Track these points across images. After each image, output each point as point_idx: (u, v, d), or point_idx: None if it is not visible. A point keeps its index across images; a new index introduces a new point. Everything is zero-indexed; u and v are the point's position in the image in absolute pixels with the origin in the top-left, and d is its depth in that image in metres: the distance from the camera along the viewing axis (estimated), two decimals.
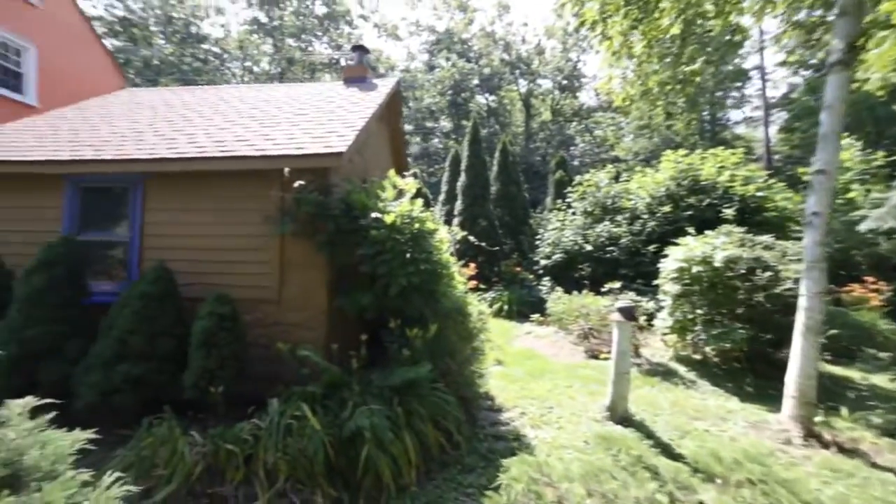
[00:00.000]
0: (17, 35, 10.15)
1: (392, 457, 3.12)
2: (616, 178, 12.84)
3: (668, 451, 3.77)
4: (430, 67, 35.35)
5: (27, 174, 4.95)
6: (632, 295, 7.59)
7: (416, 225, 4.14)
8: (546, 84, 34.62)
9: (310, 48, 34.35)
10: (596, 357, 7.00)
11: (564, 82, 33.12)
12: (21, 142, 5.49)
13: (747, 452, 3.67)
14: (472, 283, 7.02)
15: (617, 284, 7.80)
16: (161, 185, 4.79)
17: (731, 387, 5.55)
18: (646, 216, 10.55)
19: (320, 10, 34.57)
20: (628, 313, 4.59)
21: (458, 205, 14.11)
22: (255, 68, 35.13)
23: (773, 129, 25.57)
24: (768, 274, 5.77)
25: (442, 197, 16.73)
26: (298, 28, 33.78)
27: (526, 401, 5.00)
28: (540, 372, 6.18)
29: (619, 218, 11.18)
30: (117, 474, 1.78)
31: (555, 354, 7.33)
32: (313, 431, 3.09)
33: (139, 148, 4.85)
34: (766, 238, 6.52)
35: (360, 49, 7.96)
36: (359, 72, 7.73)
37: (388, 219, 3.98)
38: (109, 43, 27.03)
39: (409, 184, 4.53)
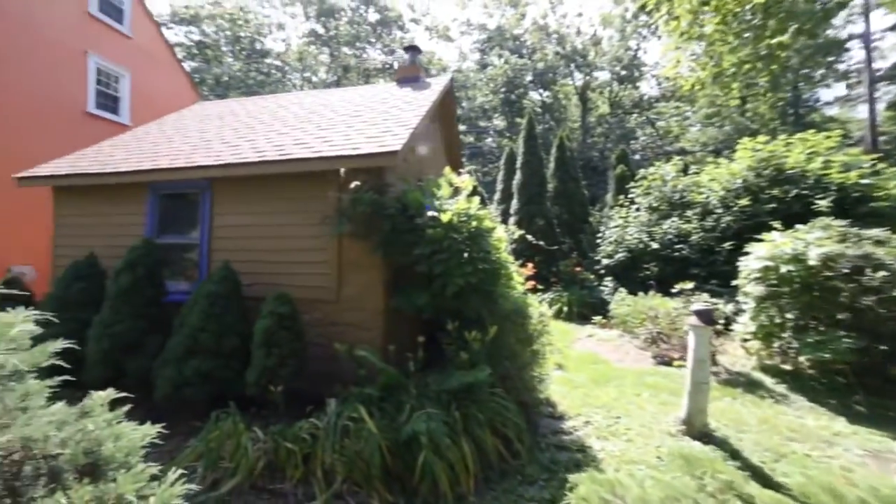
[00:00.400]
0: (115, 64, 11.33)
1: (449, 463, 3.00)
2: (684, 171, 11.91)
3: (763, 477, 3.30)
4: (482, 66, 35.13)
5: (118, 184, 5.44)
6: (706, 296, 6.92)
7: (474, 223, 4.00)
8: (603, 76, 33.17)
9: (364, 55, 35.47)
10: (667, 364, 6.46)
11: (623, 73, 31.51)
12: (114, 156, 6.05)
13: (878, 492, 3.05)
14: (530, 284, 6.76)
15: (689, 285, 7.17)
16: (227, 189, 5.05)
17: (834, 404, 4.84)
18: (720, 210, 9.65)
19: (373, 17, 35.62)
20: (706, 317, 4.14)
21: (514, 203, 13.81)
22: (314, 78, 36.90)
23: (880, 107, 21.81)
24: (882, 274, 4.97)
25: (497, 196, 16.49)
26: (353, 36, 35.01)
27: (590, 409, 4.69)
28: (604, 378, 5.80)
29: (688, 213, 10.33)
30: (180, 471, 1.80)
31: (619, 360, 6.88)
32: (370, 434, 3.05)
33: (207, 155, 5.15)
34: (877, 232, 5.64)
35: (412, 49, 7.98)
36: (411, 72, 7.74)
37: (445, 217, 3.88)
38: (187, 65, 29.70)
39: (465, 181, 4.41)
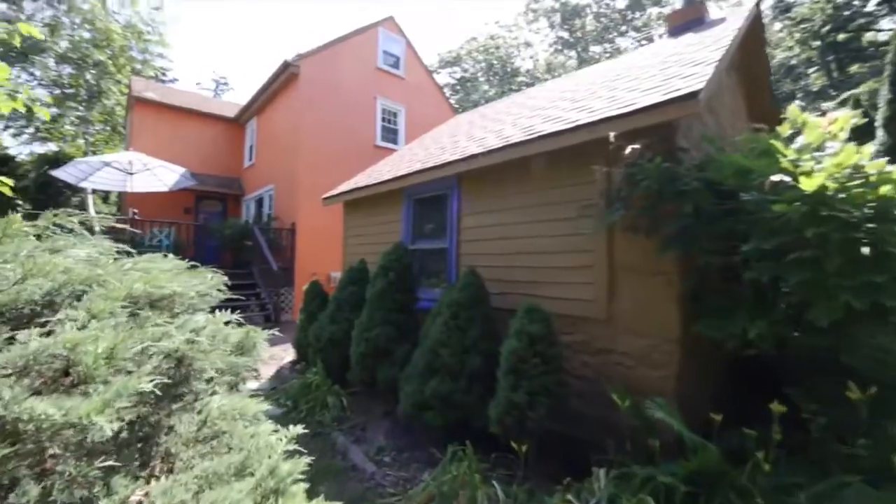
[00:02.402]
0: (394, 102, 13.72)
1: None
2: None
3: None
4: (784, 9, 26.67)
5: (380, 194, 5.92)
6: None
7: (884, 189, 2.11)
8: None
9: (613, 47, 33.09)
10: None
11: None
12: (381, 171, 6.76)
13: None
14: None
15: None
16: (473, 186, 4.64)
17: None
18: None
19: (622, 2, 32.84)
20: None
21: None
22: None
23: None
24: None
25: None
26: (601, 30, 33.20)
27: None
28: None
29: None
30: None
31: None
32: None
33: (453, 154, 4.90)
34: None
35: None
36: (692, 14, 5.86)
37: (811, 183, 2.17)
38: (452, 99, 34.62)
39: (840, 118, 2.49)
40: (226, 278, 3.08)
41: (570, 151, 3.52)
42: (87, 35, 17.80)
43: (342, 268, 7.04)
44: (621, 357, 3.21)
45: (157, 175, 10.47)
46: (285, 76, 11.64)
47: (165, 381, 1.17)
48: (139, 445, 1.19)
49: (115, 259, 1.98)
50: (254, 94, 13.36)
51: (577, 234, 3.47)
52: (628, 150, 2.69)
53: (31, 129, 19.54)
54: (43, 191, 16.61)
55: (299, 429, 1.74)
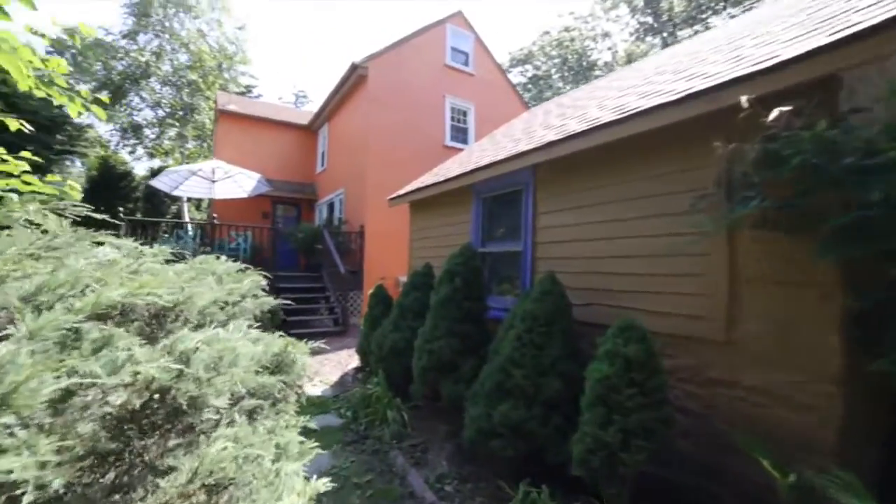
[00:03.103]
0: (463, 100, 13.42)
1: None
2: None
3: None
4: None
5: (448, 193, 5.55)
6: None
7: None
8: None
9: (707, 26, 30.12)
10: None
11: None
12: (448, 169, 6.41)
13: None
14: None
15: None
16: (551, 180, 4.10)
17: None
18: None
19: None
20: None
21: None
22: None
23: None
24: None
25: None
26: (691, 10, 30.43)
27: None
28: None
29: None
30: None
31: None
32: None
33: (528, 144, 4.39)
34: None
35: None
36: None
37: None
38: (524, 97, 33.75)
39: None
40: (262, 280, 2.85)
41: (675, 130, 2.87)
42: (183, 58, 19.73)
43: (408, 270, 6.80)
44: (747, 392, 2.50)
45: (237, 182, 11.09)
46: (354, 79, 11.82)
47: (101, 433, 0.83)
48: None
49: (137, 260, 1.76)
50: (325, 100, 13.79)
51: (683, 232, 2.80)
52: (773, 114, 2.01)
53: (142, 148, 22.16)
54: (150, 200, 18.63)
55: (324, 483, 1.39)
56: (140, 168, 21.01)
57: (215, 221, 9.81)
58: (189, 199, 18.83)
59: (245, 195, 11.70)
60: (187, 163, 21.57)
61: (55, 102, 2.56)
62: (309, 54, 60.79)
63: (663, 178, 3.01)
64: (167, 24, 19.43)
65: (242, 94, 23.72)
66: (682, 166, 2.87)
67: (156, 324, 1.42)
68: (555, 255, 3.94)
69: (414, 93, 12.29)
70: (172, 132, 21.21)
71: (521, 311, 3.17)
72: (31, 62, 2.28)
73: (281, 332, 2.19)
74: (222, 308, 1.86)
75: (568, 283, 3.31)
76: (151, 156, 21.87)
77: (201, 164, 10.48)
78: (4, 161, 2.35)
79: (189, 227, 10.71)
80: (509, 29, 58.65)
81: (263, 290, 2.73)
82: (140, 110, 20.43)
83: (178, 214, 18.54)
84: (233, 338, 1.38)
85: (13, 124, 2.52)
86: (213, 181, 10.69)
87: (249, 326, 3.23)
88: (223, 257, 3.36)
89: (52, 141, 14.59)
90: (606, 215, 3.43)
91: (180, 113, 20.38)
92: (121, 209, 9.44)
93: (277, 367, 2.00)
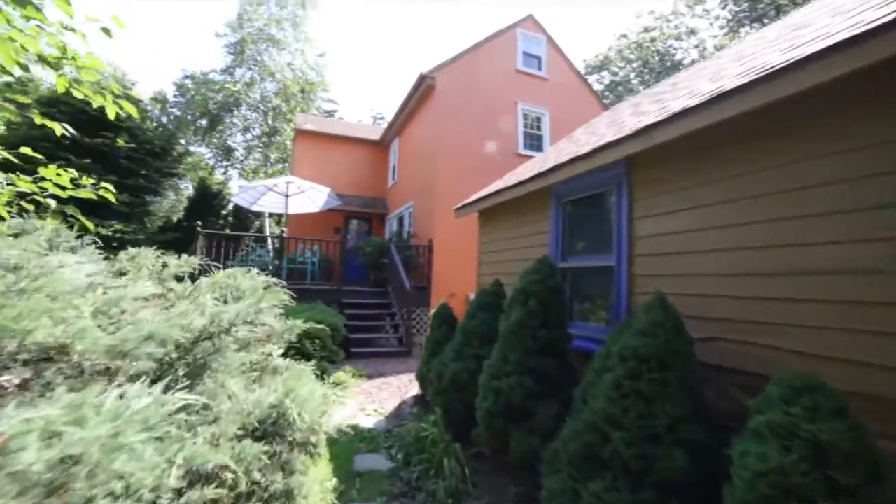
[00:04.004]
0: (536, 105, 12.63)
1: None
2: None
3: None
4: None
5: (522, 197, 4.82)
6: None
7: None
8: None
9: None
10: None
11: None
12: (520, 173, 5.68)
13: None
14: None
15: None
16: (650, 175, 3.22)
17: None
18: None
19: None
20: None
21: None
22: None
23: None
24: None
25: None
26: None
27: None
28: None
29: None
30: None
31: None
32: None
33: (618, 133, 3.54)
34: None
35: None
36: None
37: None
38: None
39: None
40: (284, 297, 2.36)
41: (873, 77, 1.91)
42: (270, 87, 21.20)
43: (475, 287, 6.13)
44: None
45: (309, 196, 11.25)
46: (422, 90, 11.57)
47: None
48: None
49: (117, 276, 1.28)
50: (395, 113, 13.74)
51: (887, 237, 1.82)
52: None
53: (233, 169, 24.19)
54: (237, 216, 20.00)
55: None
56: (233, 187, 22.81)
57: (283, 235, 9.91)
58: (270, 215, 19.94)
59: (316, 209, 11.84)
60: None
61: (94, 105, 2.43)
62: (383, 74, 63.56)
63: (848, 157, 2.03)
64: (258, 57, 21.04)
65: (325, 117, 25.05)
66: (886, 136, 1.89)
67: (33, 373, 0.87)
68: (660, 272, 3.04)
69: (484, 101, 11.76)
70: (258, 153, 22.79)
71: (619, 347, 2.33)
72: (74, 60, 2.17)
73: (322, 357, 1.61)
74: (195, 344, 1.33)
75: (685, 311, 2.42)
76: (240, 175, 23.70)
77: (276, 180, 10.76)
78: (43, 167, 2.41)
79: (269, 241, 11.00)
80: (582, 36, 56.53)
81: (326, 305, 2.30)
82: (230, 135, 22.22)
83: (261, 229, 19.67)
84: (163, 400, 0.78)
85: (57, 129, 2.50)
86: (287, 196, 10.92)
87: (283, 354, 2.74)
88: (255, 271, 2.94)
89: (162, 165, 16.13)
90: (744, 215, 2.48)
91: (265, 138, 21.85)
92: (198, 223, 9.87)
93: (273, 425, 1.41)
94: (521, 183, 4.66)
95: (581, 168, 3.65)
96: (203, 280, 2.20)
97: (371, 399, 5.50)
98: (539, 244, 4.57)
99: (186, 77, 21.50)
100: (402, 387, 6.08)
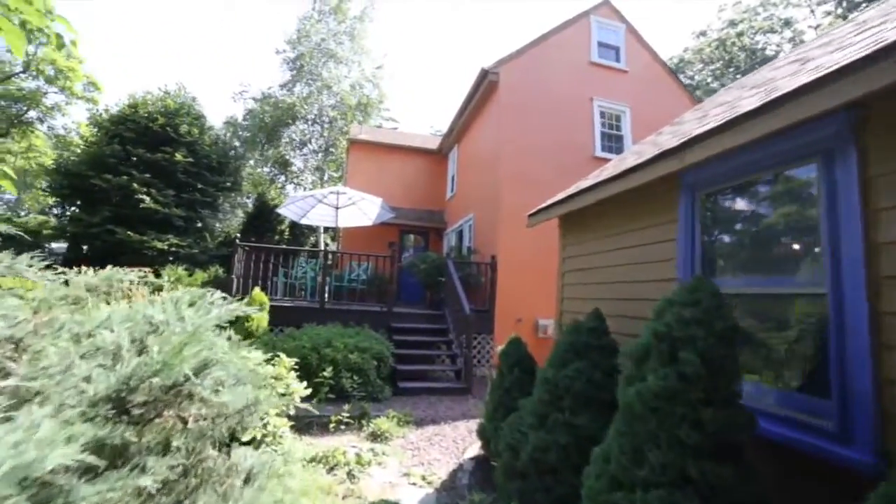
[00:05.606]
0: (615, 102, 11.10)
1: None
2: None
3: None
4: None
5: (628, 192, 3.50)
6: None
7: None
8: None
9: None
10: None
11: None
12: (616, 166, 4.35)
13: None
14: None
15: None
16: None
17: None
18: None
19: None
20: None
21: None
22: None
23: None
24: None
25: None
26: None
27: None
28: None
29: None
30: None
31: None
32: None
33: (811, 75, 2.14)
34: None
35: None
36: None
37: None
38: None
39: None
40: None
41: None
42: (328, 101, 21.29)
43: (556, 316, 4.82)
44: None
45: (361, 208, 10.50)
46: (484, 87, 10.52)
47: None
48: None
49: None
50: (454, 118, 12.81)
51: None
52: None
53: (290, 183, 24.62)
54: (292, 232, 20.00)
55: None
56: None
57: (330, 250, 9.14)
58: (326, 230, 19.70)
59: (370, 223, 11.07)
60: None
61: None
62: (443, 88, 63.74)
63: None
64: (316, 71, 21.29)
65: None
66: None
67: None
68: None
69: (554, 98, 10.47)
70: (315, 171, 22.94)
71: None
72: None
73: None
74: None
75: None
76: (296, 188, 24.01)
77: (325, 190, 10.11)
78: None
79: (319, 255, 10.35)
80: (656, 36, 53.27)
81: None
82: (291, 149, 22.57)
83: (316, 245, 19.44)
84: None
85: None
86: (337, 208, 10.23)
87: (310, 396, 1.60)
88: (218, 293, 1.92)
89: (220, 180, 16.41)
90: None
91: (322, 152, 21.93)
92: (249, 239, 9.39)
93: None
94: (625, 172, 3.34)
95: (748, 134, 2.27)
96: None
97: (419, 458, 4.31)
98: (658, 259, 3.21)
99: (257, 100, 22.23)
100: (459, 440, 4.84)
